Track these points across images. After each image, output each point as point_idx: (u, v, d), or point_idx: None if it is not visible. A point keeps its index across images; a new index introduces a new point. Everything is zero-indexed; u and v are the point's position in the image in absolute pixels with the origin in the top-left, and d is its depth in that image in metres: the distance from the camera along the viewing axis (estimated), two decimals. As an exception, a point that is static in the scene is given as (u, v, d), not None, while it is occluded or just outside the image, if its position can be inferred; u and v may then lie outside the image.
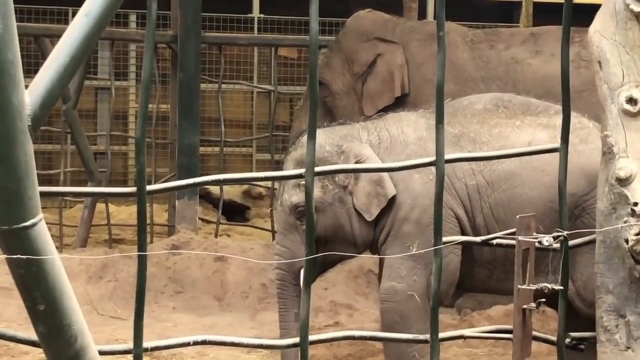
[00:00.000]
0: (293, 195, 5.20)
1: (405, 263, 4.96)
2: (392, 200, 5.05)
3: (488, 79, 7.45)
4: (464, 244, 4.75)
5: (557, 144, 3.23)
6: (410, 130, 5.15)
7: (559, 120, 4.66)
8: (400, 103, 7.23)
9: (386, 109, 6.71)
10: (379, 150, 5.15)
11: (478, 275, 5.09)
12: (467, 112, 5.14)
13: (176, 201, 8.95)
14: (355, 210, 5.11)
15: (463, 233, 4.96)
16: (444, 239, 3.09)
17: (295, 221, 5.23)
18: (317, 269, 5.14)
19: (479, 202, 4.99)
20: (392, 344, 4.99)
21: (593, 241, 3.39)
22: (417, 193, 5.01)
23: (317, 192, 4.98)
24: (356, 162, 5.05)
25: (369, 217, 5.08)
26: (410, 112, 5.42)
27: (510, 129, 5.00)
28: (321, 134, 5.00)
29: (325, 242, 5.12)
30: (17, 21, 2.38)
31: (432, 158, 3.00)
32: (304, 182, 5.09)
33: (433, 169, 4.87)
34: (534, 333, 3.37)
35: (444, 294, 4.99)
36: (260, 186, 11.29)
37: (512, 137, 4.96)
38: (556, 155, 4.65)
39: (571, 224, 4.56)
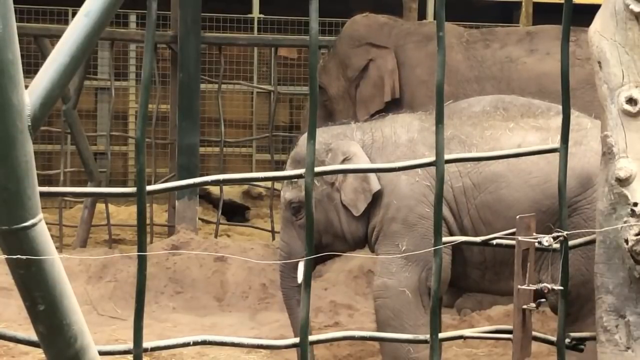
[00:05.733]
0: (287, 192, 5.38)
1: (396, 260, 5.03)
2: (380, 201, 5.14)
3: (482, 79, 7.48)
4: (454, 245, 4.78)
5: (549, 145, 3.23)
6: (403, 131, 5.22)
7: (555, 122, 4.69)
8: (396, 105, 7.26)
9: (381, 112, 6.73)
10: (371, 150, 5.23)
11: (472, 276, 5.15)
12: (464, 114, 5.18)
13: (176, 201, 8.94)
14: (343, 206, 5.21)
15: (450, 234, 5.01)
16: (443, 239, 3.09)
17: (290, 216, 5.40)
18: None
19: (465, 204, 5.04)
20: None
21: (592, 241, 3.39)
22: (403, 194, 5.08)
23: None
24: (344, 159, 5.19)
25: (356, 212, 5.19)
26: (409, 113, 5.47)
27: (502, 132, 5.04)
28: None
29: (318, 237, 5.23)
30: (17, 21, 2.38)
31: (432, 158, 3.00)
32: (295, 180, 5.18)
33: (420, 170, 5.00)
34: (534, 333, 3.38)
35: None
36: (260, 186, 11.28)
37: (502, 140, 5.00)
38: (543, 157, 4.72)
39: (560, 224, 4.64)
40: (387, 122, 5.35)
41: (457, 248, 4.99)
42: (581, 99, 6.20)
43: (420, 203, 5.04)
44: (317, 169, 2.89)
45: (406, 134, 5.22)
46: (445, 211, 5.03)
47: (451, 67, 7.35)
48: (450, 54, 7.45)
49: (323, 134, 5.29)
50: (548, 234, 3.22)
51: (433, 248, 2.98)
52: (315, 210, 5.15)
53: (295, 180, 5.16)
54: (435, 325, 3.02)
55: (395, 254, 4.99)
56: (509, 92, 6.57)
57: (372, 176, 5.12)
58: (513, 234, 3.39)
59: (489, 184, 5.01)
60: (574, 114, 4.70)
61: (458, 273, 5.08)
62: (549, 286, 3.25)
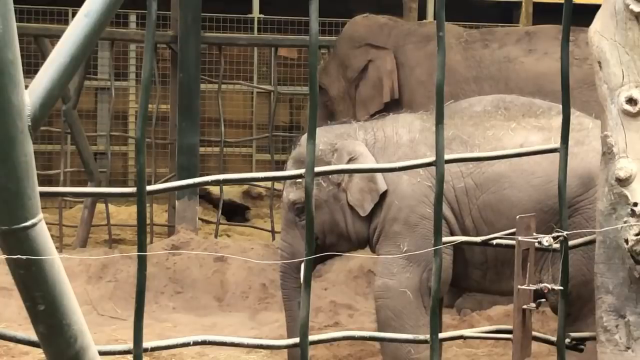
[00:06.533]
0: (290, 193, 5.36)
1: (397, 261, 5.02)
2: (382, 201, 5.14)
3: (480, 79, 7.49)
4: (456, 245, 4.78)
5: (549, 145, 3.23)
6: (404, 131, 5.22)
7: (557, 122, 4.69)
8: (396, 106, 7.27)
9: (381, 112, 6.75)
10: (373, 149, 5.24)
11: (472, 276, 5.14)
12: (465, 114, 5.18)
13: (176, 201, 8.94)
14: (349, 206, 5.19)
15: (452, 234, 5.01)
16: (443, 239, 3.09)
17: (294, 217, 5.38)
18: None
19: (467, 205, 5.03)
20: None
21: (592, 241, 3.39)
22: (404, 194, 5.08)
23: None
24: (349, 159, 5.17)
25: (363, 213, 5.17)
26: (410, 113, 5.47)
27: (504, 132, 5.03)
28: (318, 133, 5.04)
29: (323, 237, 5.24)
30: (17, 21, 2.38)
31: (432, 158, 3.00)
32: (299, 181, 5.18)
33: (421, 171, 4.99)
34: (534, 333, 3.38)
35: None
36: (260, 186, 11.28)
37: (504, 140, 4.99)
38: (546, 157, 4.72)
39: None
40: (388, 121, 5.35)
41: (458, 248, 4.99)
42: (578, 98, 6.21)
43: (421, 203, 5.03)
44: (317, 169, 2.89)
45: (408, 134, 5.22)
46: (447, 211, 5.03)
47: (449, 67, 7.36)
48: (448, 54, 7.45)
49: (327, 134, 5.30)
50: (550, 234, 3.22)
51: (433, 248, 2.97)
52: (321, 211, 5.22)
53: (300, 180, 5.16)
54: (435, 325, 3.02)
55: (396, 255, 4.99)
56: (507, 92, 6.58)
57: (379, 176, 5.11)
58: (513, 233, 3.39)
59: (492, 184, 5.01)
60: (575, 114, 4.71)
61: (459, 273, 5.07)
62: (549, 286, 3.25)
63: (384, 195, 5.13)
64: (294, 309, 5.35)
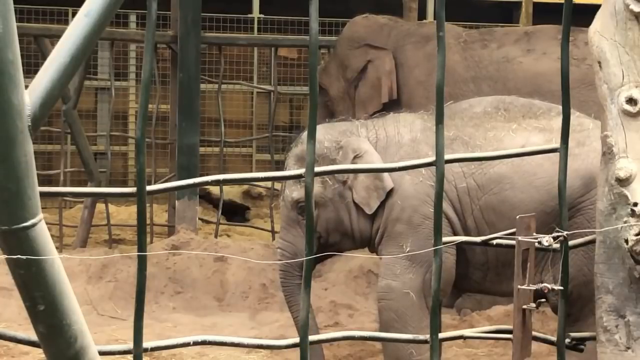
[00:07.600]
0: (294, 191, 5.33)
1: (400, 261, 5.01)
2: (385, 201, 5.13)
3: (478, 79, 7.50)
4: (458, 245, 4.78)
5: (550, 145, 3.23)
6: (406, 131, 5.22)
7: (557, 123, 4.70)
8: (395, 106, 7.27)
9: (380, 113, 6.75)
10: (375, 148, 5.22)
11: (473, 277, 5.14)
12: (465, 115, 5.18)
13: (176, 201, 8.94)
14: (355, 204, 5.18)
15: (454, 234, 5.00)
16: (444, 239, 3.09)
17: (297, 216, 5.35)
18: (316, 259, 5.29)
19: (469, 205, 5.03)
20: (391, 342, 5.03)
21: (593, 241, 3.39)
22: (407, 194, 5.07)
23: (317, 187, 5.04)
24: (355, 157, 5.16)
25: (369, 210, 5.16)
26: (411, 113, 5.47)
27: (505, 133, 5.03)
28: (320, 130, 5.06)
29: (326, 235, 5.23)
30: (17, 21, 2.38)
31: (432, 158, 3.00)
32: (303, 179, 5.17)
33: (423, 170, 4.98)
34: (534, 333, 3.38)
35: (442, 292, 5.06)
36: (260, 186, 11.28)
37: (505, 141, 4.99)
38: (548, 158, 4.72)
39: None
40: (389, 120, 5.35)
41: (459, 248, 4.98)
42: (576, 98, 6.21)
43: (424, 203, 5.02)
44: (317, 169, 2.89)
45: (409, 133, 5.21)
46: (449, 211, 5.02)
47: (448, 68, 7.33)
48: (447, 54, 7.44)
49: (330, 131, 5.29)
50: (551, 234, 3.21)
51: (433, 248, 2.97)
52: (325, 209, 5.21)
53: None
54: (435, 325, 3.02)
55: (399, 255, 4.98)
56: (505, 92, 6.59)
57: (385, 173, 5.11)
58: (514, 234, 3.39)
59: (493, 185, 5.01)
60: (575, 114, 4.70)
61: (459, 274, 5.07)
62: (549, 286, 3.25)
63: (387, 195, 5.13)
64: (298, 302, 5.34)
